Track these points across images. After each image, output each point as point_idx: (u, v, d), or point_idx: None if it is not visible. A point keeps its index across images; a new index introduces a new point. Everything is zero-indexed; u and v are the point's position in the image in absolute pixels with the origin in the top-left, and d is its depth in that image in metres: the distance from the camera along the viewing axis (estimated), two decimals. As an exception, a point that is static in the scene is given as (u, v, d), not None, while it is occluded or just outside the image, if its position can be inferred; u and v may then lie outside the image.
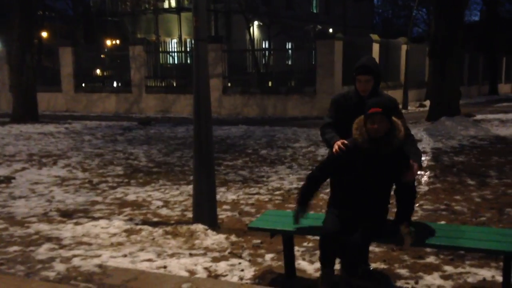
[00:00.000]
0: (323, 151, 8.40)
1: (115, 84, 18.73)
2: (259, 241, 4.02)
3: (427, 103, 15.35)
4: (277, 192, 5.68)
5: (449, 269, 3.42)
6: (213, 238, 4.10)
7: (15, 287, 3.19)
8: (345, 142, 2.96)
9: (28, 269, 3.56)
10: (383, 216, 3.07)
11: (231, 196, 5.52)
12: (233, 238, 4.13)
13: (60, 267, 3.58)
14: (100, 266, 3.57)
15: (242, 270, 3.48)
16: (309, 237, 3.97)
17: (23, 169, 7.24)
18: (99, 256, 3.76)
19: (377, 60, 16.50)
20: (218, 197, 4.87)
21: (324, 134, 3.20)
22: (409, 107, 17.12)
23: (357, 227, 2.90)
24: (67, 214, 4.92)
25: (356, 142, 2.89)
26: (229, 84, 16.26)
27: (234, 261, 3.65)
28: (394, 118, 2.88)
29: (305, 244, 3.95)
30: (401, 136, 2.86)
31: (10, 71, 14.94)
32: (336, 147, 2.97)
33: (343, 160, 2.95)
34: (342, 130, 3.06)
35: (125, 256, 3.76)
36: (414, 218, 4.56)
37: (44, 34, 28.97)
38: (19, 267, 3.59)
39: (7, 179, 6.48)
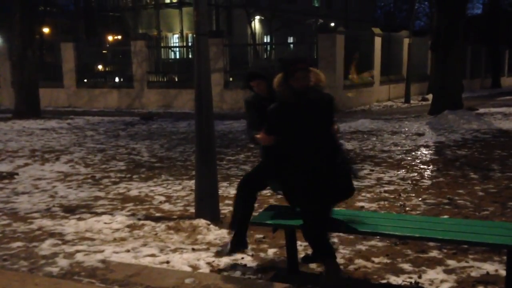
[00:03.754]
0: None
1: (117, 79, 18.71)
2: (261, 235, 4.02)
3: (430, 96, 15.31)
4: (280, 187, 5.67)
5: (452, 263, 3.42)
6: (216, 233, 4.10)
7: (18, 282, 3.20)
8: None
9: (32, 264, 3.57)
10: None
11: (233, 191, 5.50)
12: (235, 233, 4.12)
13: (63, 262, 3.59)
14: (103, 261, 3.57)
15: (245, 265, 3.49)
16: (312, 231, 3.96)
17: (26, 165, 7.26)
18: (102, 251, 3.77)
19: (379, 53, 16.28)
20: (220, 192, 4.87)
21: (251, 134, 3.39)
22: (411, 101, 17.08)
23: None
24: (70, 210, 4.93)
25: (282, 99, 3.02)
26: (230, 79, 16.23)
27: (237, 256, 3.64)
28: (313, 70, 3.05)
29: (307, 238, 3.95)
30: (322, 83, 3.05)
31: (12, 67, 14.94)
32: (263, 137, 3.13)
33: (279, 122, 3.06)
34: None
35: (128, 251, 3.77)
36: (416, 213, 4.58)
37: (46, 30, 28.96)
38: (23, 262, 3.61)
39: (10, 175, 6.49)
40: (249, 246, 3.65)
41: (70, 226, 4.41)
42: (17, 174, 6.59)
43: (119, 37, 26.68)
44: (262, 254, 3.69)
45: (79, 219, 4.61)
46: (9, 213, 4.84)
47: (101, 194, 5.54)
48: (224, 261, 3.55)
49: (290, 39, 27.44)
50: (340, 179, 3.03)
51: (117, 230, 4.28)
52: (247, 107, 3.59)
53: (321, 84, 3.06)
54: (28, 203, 5.19)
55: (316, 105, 3.02)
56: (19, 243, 3.99)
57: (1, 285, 3.04)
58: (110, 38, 26.39)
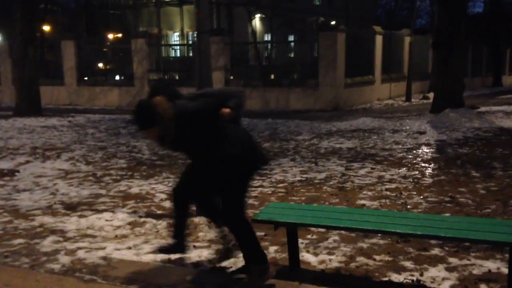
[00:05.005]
0: (325, 144, 8.39)
1: (117, 77, 18.72)
2: (263, 233, 4.02)
3: (431, 95, 15.30)
4: (281, 185, 5.67)
5: (454, 261, 3.42)
6: (217, 231, 4.09)
7: (20, 279, 3.20)
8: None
9: (33, 261, 3.57)
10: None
11: (234, 189, 5.51)
12: (237, 230, 4.12)
13: (64, 259, 3.59)
14: (104, 258, 3.57)
15: (246, 262, 3.48)
16: (313, 229, 3.97)
17: (27, 162, 7.25)
18: (103, 248, 3.76)
19: (380, 52, 16.25)
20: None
21: None
22: (412, 99, 17.07)
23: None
24: (71, 207, 4.93)
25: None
26: (231, 77, 16.23)
27: (238, 253, 3.64)
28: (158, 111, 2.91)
29: (309, 236, 3.95)
30: (168, 118, 2.92)
31: (13, 65, 14.93)
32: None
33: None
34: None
35: (129, 248, 3.77)
36: (418, 211, 4.58)
37: (47, 28, 28.92)
38: (24, 259, 3.61)
39: (11, 172, 6.49)
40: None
41: (71, 223, 4.41)
42: (18, 171, 6.59)
43: (120, 35, 26.66)
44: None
45: (81, 216, 4.61)
46: (10, 210, 4.84)
47: (102, 191, 5.54)
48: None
49: (291, 38, 27.44)
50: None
51: (119, 227, 4.28)
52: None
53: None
54: (29, 200, 5.19)
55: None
56: (20, 240, 3.99)
57: (3, 281, 3.04)
58: (110, 36, 26.36)
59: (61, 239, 4.01)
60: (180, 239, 3.38)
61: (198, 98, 3.05)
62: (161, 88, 3.10)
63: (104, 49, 19.83)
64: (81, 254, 3.67)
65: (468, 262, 3.39)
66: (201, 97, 3.06)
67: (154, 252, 3.60)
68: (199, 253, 3.64)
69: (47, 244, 3.89)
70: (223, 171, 3.03)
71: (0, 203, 5.10)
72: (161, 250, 3.46)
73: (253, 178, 3.26)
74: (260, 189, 5.51)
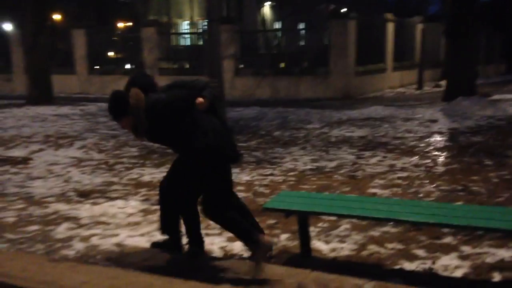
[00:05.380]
0: (336, 132, 8.36)
1: (128, 66, 18.75)
2: (274, 221, 4.04)
3: (443, 83, 15.11)
4: (291, 173, 5.67)
5: (466, 249, 3.41)
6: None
7: (36, 265, 3.24)
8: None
9: (48, 247, 3.63)
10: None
11: (245, 177, 5.54)
12: (248, 218, 4.14)
13: (79, 246, 3.65)
14: (118, 245, 3.62)
15: (258, 250, 3.50)
16: (324, 217, 3.97)
17: (40, 150, 7.33)
18: (117, 235, 3.81)
19: (391, 39, 16.03)
20: (232, 178, 4.87)
21: None
22: (424, 87, 16.88)
23: None
24: (84, 194, 4.99)
25: None
26: (241, 66, 16.17)
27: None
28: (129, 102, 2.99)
29: (320, 224, 3.96)
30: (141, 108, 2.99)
31: (24, 54, 15.02)
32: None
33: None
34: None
35: (142, 235, 3.82)
36: (430, 199, 4.56)
37: (57, 17, 28.99)
38: (39, 245, 3.67)
39: (25, 160, 6.57)
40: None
41: (85, 210, 4.47)
42: (31, 159, 6.67)
43: (130, 24, 26.65)
44: (274, 239, 3.70)
45: (94, 203, 4.67)
46: (24, 197, 4.91)
47: (115, 179, 5.59)
48: (237, 246, 3.57)
49: (301, 25, 27.21)
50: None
51: (131, 214, 4.33)
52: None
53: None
54: (43, 188, 5.26)
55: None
56: (35, 227, 4.06)
57: (19, 267, 3.09)
58: (120, 25, 26.36)
59: (75, 226, 4.07)
60: (175, 235, 3.38)
61: (172, 89, 3.12)
62: (138, 79, 3.18)
63: (114, 38, 19.86)
64: (95, 240, 3.72)
65: (481, 250, 3.38)
66: (174, 88, 3.13)
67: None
68: (210, 240, 3.67)
69: (61, 231, 3.95)
70: (193, 161, 3.07)
71: (15, 190, 5.18)
72: (154, 245, 3.50)
73: (228, 169, 3.23)
74: (270, 177, 5.52)
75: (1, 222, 4.15)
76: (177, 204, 3.26)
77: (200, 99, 3.01)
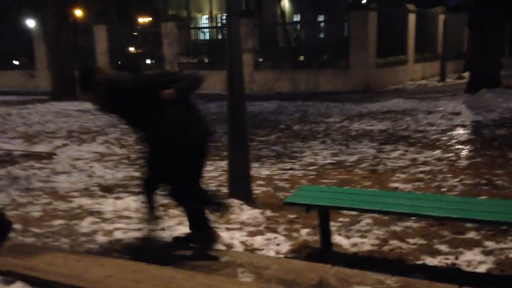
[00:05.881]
0: (356, 126, 8.29)
1: (148, 61, 18.91)
2: (294, 216, 4.04)
3: (466, 74, 14.81)
4: (311, 168, 5.66)
5: (490, 244, 3.35)
6: (249, 213, 4.14)
7: (61, 259, 3.32)
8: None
9: (72, 241, 3.71)
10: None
11: (265, 172, 5.55)
12: (268, 213, 4.16)
13: (102, 239, 3.71)
14: (141, 239, 3.67)
15: (278, 244, 3.52)
16: (345, 212, 3.96)
17: (64, 145, 7.48)
18: (139, 229, 3.87)
19: (413, 31, 15.75)
20: (252, 172, 4.89)
21: None
22: (447, 79, 16.58)
23: None
24: (107, 189, 5.07)
25: None
26: (260, 59, 16.13)
27: (270, 235, 3.68)
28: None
29: (340, 219, 3.95)
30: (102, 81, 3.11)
31: (48, 50, 15.29)
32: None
33: None
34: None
35: (164, 229, 3.86)
36: (453, 194, 4.49)
37: (79, 13, 29.38)
38: (64, 239, 3.75)
39: (49, 155, 6.71)
40: (282, 226, 3.66)
41: (108, 204, 4.54)
42: (55, 154, 6.80)
43: (150, 19, 26.82)
44: (295, 234, 3.71)
45: (117, 198, 4.74)
46: (49, 192, 5.02)
47: (137, 174, 5.66)
48: (258, 240, 3.59)
49: (321, 18, 26.96)
50: None
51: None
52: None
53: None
54: (67, 183, 5.36)
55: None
56: (60, 221, 4.14)
57: (44, 261, 3.17)
58: (141, 20, 26.55)
59: (98, 220, 4.14)
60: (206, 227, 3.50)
61: (153, 76, 3.30)
62: (126, 63, 3.50)
63: (135, 33, 20.04)
64: (118, 234, 3.79)
65: (505, 245, 3.32)
66: (155, 76, 3.31)
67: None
68: (231, 235, 3.69)
69: (85, 225, 4.03)
70: (156, 150, 3.26)
71: (40, 185, 5.30)
72: (177, 239, 3.62)
73: (194, 159, 3.33)
74: (290, 172, 5.51)
75: (27, 217, 4.26)
76: (192, 196, 3.37)
77: (166, 91, 3.08)
